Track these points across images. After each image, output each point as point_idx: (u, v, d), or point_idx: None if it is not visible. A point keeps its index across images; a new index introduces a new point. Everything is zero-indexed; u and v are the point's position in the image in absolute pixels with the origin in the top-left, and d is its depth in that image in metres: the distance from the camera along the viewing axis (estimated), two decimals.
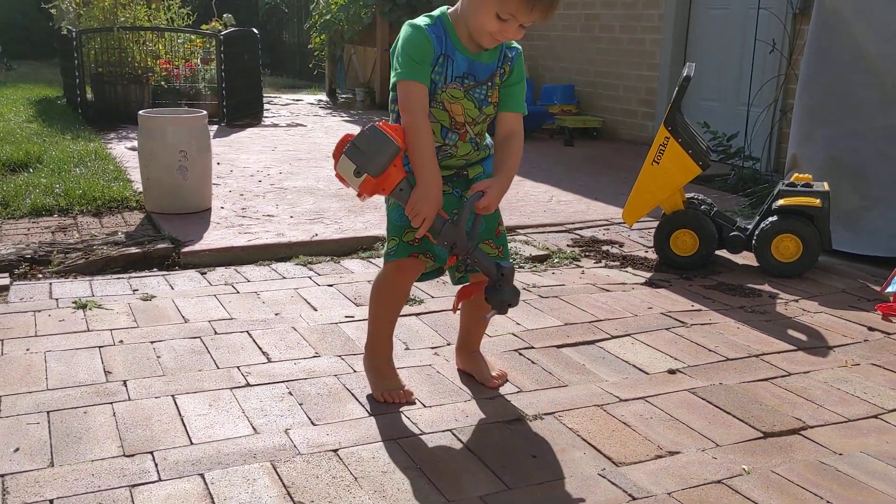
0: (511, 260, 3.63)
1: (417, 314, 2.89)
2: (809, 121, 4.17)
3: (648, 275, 3.52)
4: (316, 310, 2.93)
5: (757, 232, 3.51)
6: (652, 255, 3.81)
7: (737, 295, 3.25)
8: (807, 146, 4.16)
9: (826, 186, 3.53)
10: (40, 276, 3.33)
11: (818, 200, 3.42)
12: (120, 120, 7.63)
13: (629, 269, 3.63)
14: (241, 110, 8.27)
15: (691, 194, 3.78)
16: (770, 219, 3.49)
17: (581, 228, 4.28)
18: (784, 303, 3.18)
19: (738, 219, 3.77)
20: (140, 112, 4.20)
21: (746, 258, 3.70)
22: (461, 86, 2.04)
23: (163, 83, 7.94)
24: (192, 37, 8.71)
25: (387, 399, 2.20)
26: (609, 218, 4.48)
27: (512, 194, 5.01)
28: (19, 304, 2.89)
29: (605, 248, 3.93)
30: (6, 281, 3.16)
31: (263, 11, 18.58)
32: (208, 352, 2.50)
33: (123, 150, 6.11)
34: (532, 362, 2.50)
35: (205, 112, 4.27)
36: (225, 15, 9.47)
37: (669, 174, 3.52)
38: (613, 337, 2.73)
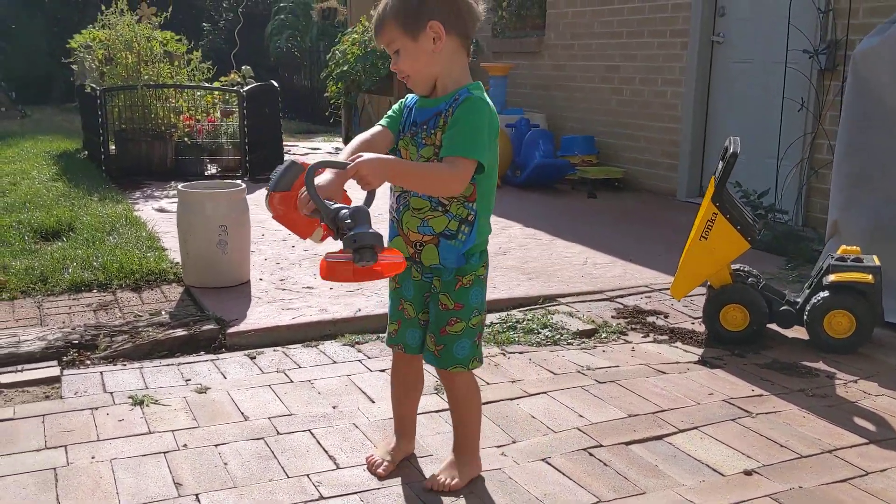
0: (557, 335, 3.62)
1: None
2: (851, 187, 4.15)
3: (700, 351, 3.49)
4: (373, 402, 2.89)
5: (808, 307, 3.48)
6: (699, 327, 3.78)
7: (794, 375, 3.21)
8: (849, 212, 4.14)
9: (877, 260, 3.50)
10: (88, 362, 3.30)
11: (870, 276, 3.40)
12: (143, 176, 7.67)
13: (678, 343, 3.59)
14: (263, 164, 8.30)
15: (736, 265, 3.75)
16: (821, 294, 3.46)
17: (622, 296, 4.25)
18: (843, 384, 3.14)
19: (787, 291, 3.74)
20: (179, 186, 4.20)
21: (796, 331, 3.66)
22: (409, 132, 2.14)
23: (186, 139, 7.97)
24: (214, 92, 8.76)
25: (368, 462, 2.39)
26: (648, 284, 4.45)
27: (546, 256, 5.00)
28: (74, 399, 2.86)
29: (650, 319, 3.90)
30: (56, 371, 3.14)
31: (274, 56, 18.77)
32: (274, 456, 2.46)
33: (151, 213, 6.12)
34: (604, 464, 2.46)
35: (243, 185, 4.27)
36: (244, 67, 9.54)
37: (718, 250, 3.50)
38: (681, 430, 2.69)
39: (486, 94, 2.12)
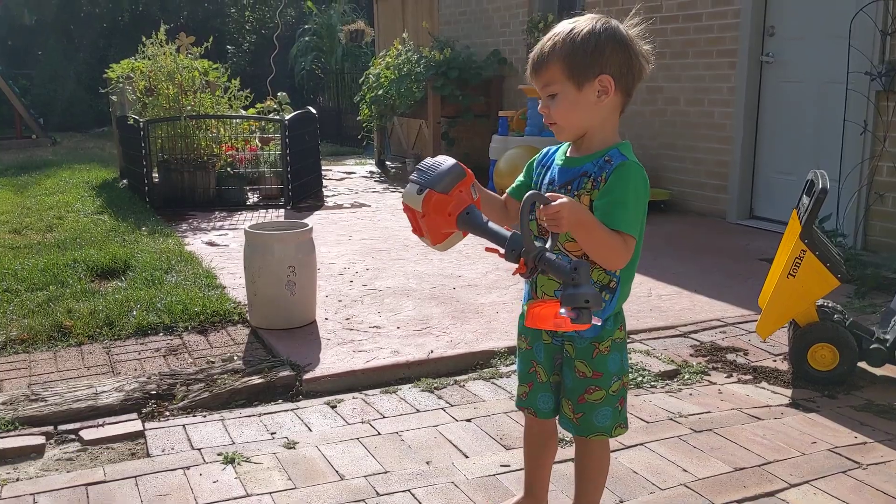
0: (639, 377, 3.53)
1: None
2: None
3: (789, 392, 3.39)
4: (467, 457, 2.82)
5: None
6: (781, 365, 3.68)
7: (893, 420, 3.11)
8: None
9: None
10: (167, 413, 3.25)
11: None
12: (187, 206, 7.67)
13: (764, 384, 3.50)
14: (304, 192, 8.29)
15: (820, 301, 3.66)
16: None
17: (696, 332, 4.16)
18: None
19: (875, 328, 3.64)
20: (246, 227, 4.16)
21: (886, 369, 3.55)
22: (547, 191, 1.97)
23: (228, 168, 7.97)
24: (251, 120, 8.76)
25: None
26: (720, 317, 4.36)
27: None
28: (164, 458, 2.81)
29: (730, 356, 3.81)
30: (138, 424, 3.09)
31: (300, 77, 18.85)
32: None
33: (202, 246, 6.09)
34: None
35: (310, 226, 4.22)
36: (280, 94, 9.56)
37: (806, 287, 3.40)
38: (792, 486, 2.59)
39: (633, 153, 2.00)
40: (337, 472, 2.71)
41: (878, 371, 3.57)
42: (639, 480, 2.64)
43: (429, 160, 1.86)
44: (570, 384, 2.09)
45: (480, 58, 10.16)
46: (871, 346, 3.47)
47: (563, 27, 1.95)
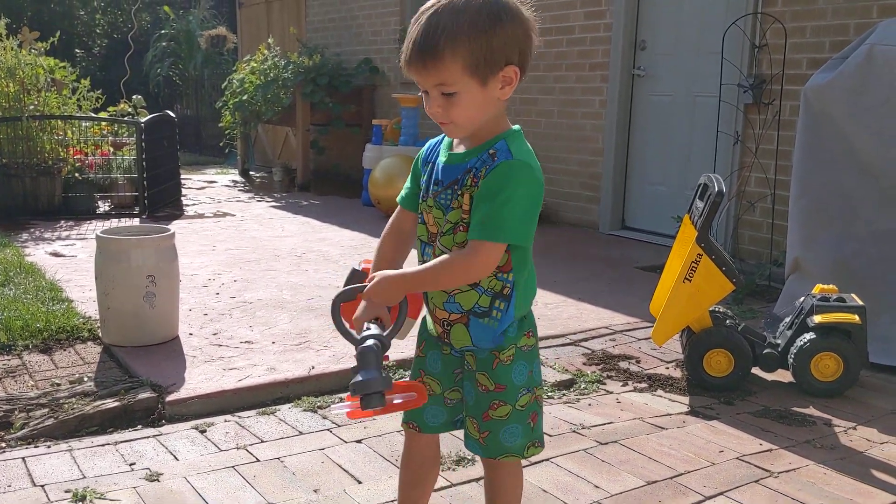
0: None
1: None
2: (810, 223, 4.11)
3: (686, 400, 3.30)
4: (360, 482, 2.52)
5: (794, 350, 3.35)
6: (674, 372, 3.60)
7: (792, 424, 3.06)
8: (811, 249, 4.09)
9: (857, 300, 3.42)
10: (2, 444, 2.78)
11: (856, 316, 3.30)
12: (28, 215, 6.96)
13: (660, 392, 3.40)
14: (161, 200, 7.73)
15: (712, 308, 3.60)
16: (807, 336, 3.34)
17: (585, 340, 4.04)
18: (843, 431, 3.01)
19: (766, 333, 3.61)
20: (98, 233, 3.69)
21: (777, 374, 3.53)
22: (431, 193, 1.78)
23: (76, 174, 7.30)
24: (102, 123, 8.11)
25: None
26: (608, 325, 4.26)
27: None
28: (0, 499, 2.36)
29: (622, 364, 3.69)
30: None
31: (154, 83, 17.93)
32: None
33: (45, 257, 5.48)
34: None
35: (172, 230, 3.80)
36: (134, 97, 8.89)
37: (702, 292, 3.33)
38: (707, 498, 2.46)
39: (526, 143, 1.75)
40: None
41: (769, 376, 3.55)
42: (549, 500, 2.43)
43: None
44: (473, 400, 1.85)
45: (351, 65, 9.87)
46: (765, 352, 3.43)
47: (445, 7, 1.62)
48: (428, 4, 1.66)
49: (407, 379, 1.86)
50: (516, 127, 1.77)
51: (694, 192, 3.58)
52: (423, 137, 8.48)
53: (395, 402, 1.65)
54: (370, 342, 1.66)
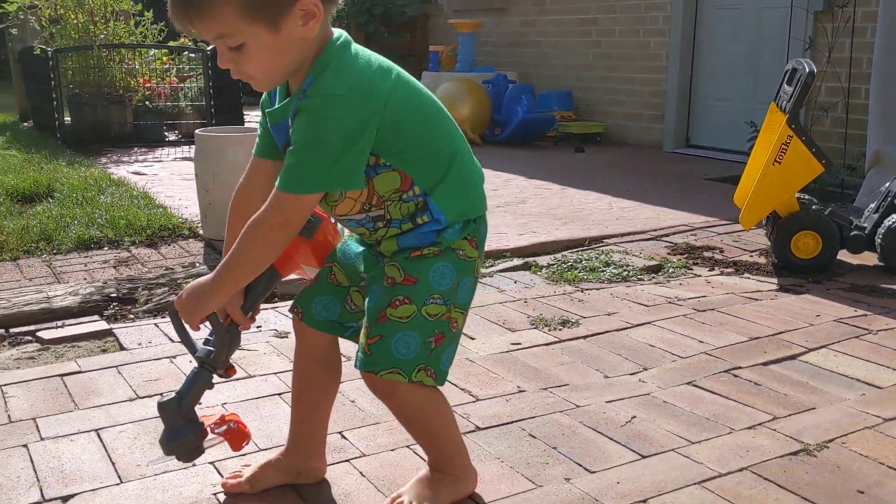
0: (624, 272, 3.45)
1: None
2: (891, 115, 4.11)
3: (774, 280, 3.38)
4: (474, 338, 2.66)
5: (882, 231, 3.39)
6: (760, 259, 3.67)
7: (884, 297, 3.13)
8: (892, 142, 4.10)
9: None
10: (131, 315, 2.97)
11: None
12: (102, 143, 7.17)
13: (748, 275, 3.47)
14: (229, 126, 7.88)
15: (798, 194, 3.65)
16: (895, 216, 3.39)
17: (667, 235, 4.11)
18: None
19: (852, 217, 3.66)
20: (197, 131, 3.84)
21: (862, 258, 3.58)
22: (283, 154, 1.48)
23: (146, 103, 7.48)
24: (161, 54, 8.25)
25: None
26: (688, 223, 4.33)
27: (567, 203, 4.83)
28: (143, 350, 2.54)
29: (706, 254, 3.77)
30: (104, 325, 2.80)
31: None
32: None
33: (128, 175, 5.68)
34: (756, 384, 2.30)
35: None
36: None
37: (792, 174, 3.37)
38: (811, 350, 2.55)
39: (345, 56, 1.41)
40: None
41: (854, 260, 3.60)
42: (657, 352, 2.55)
43: None
44: (374, 301, 1.53)
45: None
46: (852, 234, 3.48)
47: None
48: None
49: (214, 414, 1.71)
50: (337, 39, 1.43)
51: (780, 77, 3.60)
52: (479, 65, 8.50)
53: (212, 443, 1.62)
54: (166, 396, 1.56)
